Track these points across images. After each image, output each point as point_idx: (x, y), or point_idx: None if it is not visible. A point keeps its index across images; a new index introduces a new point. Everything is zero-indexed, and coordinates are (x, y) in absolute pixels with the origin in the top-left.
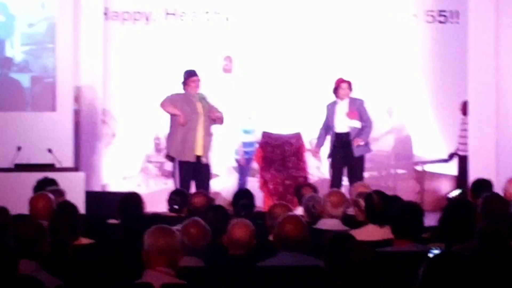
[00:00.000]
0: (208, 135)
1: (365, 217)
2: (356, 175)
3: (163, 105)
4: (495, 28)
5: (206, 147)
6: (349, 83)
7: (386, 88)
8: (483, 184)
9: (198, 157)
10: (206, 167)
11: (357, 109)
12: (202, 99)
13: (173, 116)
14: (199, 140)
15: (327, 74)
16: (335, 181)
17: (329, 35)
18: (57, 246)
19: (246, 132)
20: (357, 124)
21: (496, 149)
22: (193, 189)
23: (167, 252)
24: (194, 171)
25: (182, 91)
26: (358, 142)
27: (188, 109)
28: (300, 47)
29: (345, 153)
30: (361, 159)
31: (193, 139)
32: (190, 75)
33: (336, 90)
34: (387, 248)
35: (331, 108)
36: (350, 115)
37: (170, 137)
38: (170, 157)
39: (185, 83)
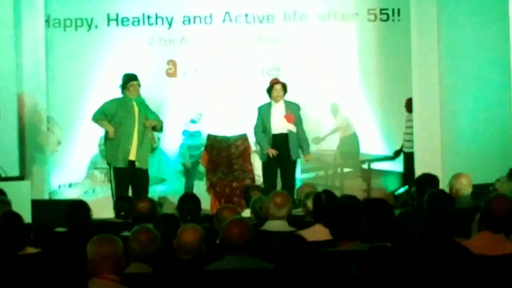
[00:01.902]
0: (144, 140)
1: (312, 217)
2: (290, 178)
3: (94, 119)
4: (437, 25)
5: (142, 152)
6: (283, 85)
7: (331, 87)
8: (428, 180)
9: (133, 162)
10: (143, 172)
11: (294, 114)
12: (141, 103)
13: (101, 112)
14: (134, 145)
15: (270, 75)
16: (269, 183)
17: (272, 35)
18: (2, 256)
19: (191, 135)
20: (293, 128)
21: (441, 145)
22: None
23: (111, 259)
24: (130, 176)
25: (121, 95)
26: (309, 159)
27: (124, 114)
28: (244, 48)
29: (281, 155)
30: (295, 162)
31: (127, 145)
32: (129, 79)
33: (270, 91)
34: (332, 248)
35: (266, 110)
36: (288, 118)
37: (105, 143)
38: (107, 163)
39: (124, 87)
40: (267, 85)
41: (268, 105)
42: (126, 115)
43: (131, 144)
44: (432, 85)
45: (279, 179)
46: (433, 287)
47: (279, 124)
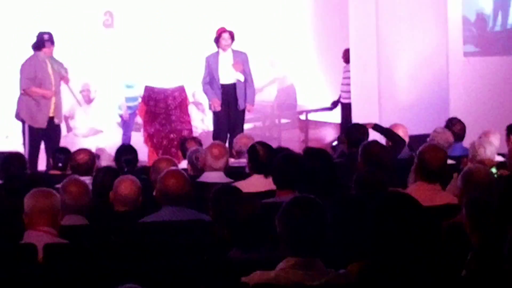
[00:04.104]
0: (59, 96)
1: (250, 168)
2: (238, 127)
3: (27, 88)
4: None
5: (58, 108)
6: (231, 33)
7: (268, 38)
8: (358, 130)
9: (51, 118)
10: (57, 127)
11: (242, 62)
12: (53, 60)
13: (26, 79)
14: (52, 103)
15: (209, 26)
16: (220, 133)
17: None
18: None
19: (128, 87)
20: (241, 77)
21: (378, 96)
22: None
23: (48, 212)
24: (44, 133)
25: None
26: (250, 110)
27: (41, 75)
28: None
29: (229, 105)
30: (243, 111)
31: (47, 103)
32: (51, 41)
33: (217, 40)
34: (270, 199)
35: (214, 59)
36: (236, 67)
37: (22, 99)
38: (20, 119)
39: (38, 47)
40: (205, 36)
41: (216, 55)
42: (43, 76)
43: (50, 102)
44: (369, 36)
45: None
46: (373, 238)
47: (227, 74)
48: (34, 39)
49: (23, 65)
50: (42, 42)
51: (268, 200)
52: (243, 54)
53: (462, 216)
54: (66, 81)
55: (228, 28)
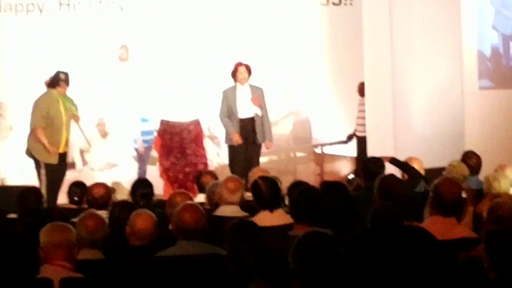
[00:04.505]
0: (69, 134)
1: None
2: (254, 161)
3: (38, 133)
4: (389, 9)
5: (68, 145)
6: (247, 67)
7: (283, 71)
8: (374, 163)
9: (61, 155)
10: (64, 163)
11: (259, 97)
12: (65, 98)
13: (39, 117)
14: (63, 140)
15: (224, 60)
16: (236, 166)
17: (226, 20)
18: None
19: (144, 120)
20: (259, 111)
21: (393, 129)
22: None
23: (64, 247)
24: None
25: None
26: (269, 146)
27: (53, 112)
28: (196, 33)
29: (247, 139)
30: (259, 145)
31: (57, 141)
32: (67, 82)
33: (234, 74)
34: (289, 232)
35: (231, 93)
36: (255, 101)
37: (33, 138)
38: (31, 155)
39: (52, 85)
40: (221, 70)
41: (233, 88)
42: (55, 114)
43: (61, 139)
44: (384, 69)
45: None
46: (389, 273)
47: (246, 108)
48: (49, 74)
49: (37, 102)
50: (58, 81)
51: (280, 235)
52: (260, 89)
53: (480, 249)
54: (77, 119)
55: (244, 62)
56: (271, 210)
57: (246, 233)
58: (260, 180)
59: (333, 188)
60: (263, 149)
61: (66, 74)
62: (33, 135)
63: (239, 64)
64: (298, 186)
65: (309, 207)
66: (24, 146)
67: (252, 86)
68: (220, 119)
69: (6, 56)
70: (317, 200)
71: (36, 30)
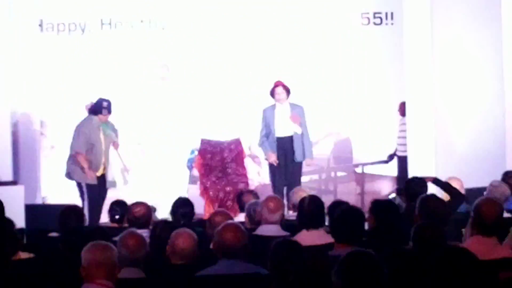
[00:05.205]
0: (108, 160)
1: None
2: (295, 180)
3: (79, 157)
4: (430, 28)
5: (106, 168)
6: (285, 87)
7: (323, 91)
8: (416, 184)
9: (100, 176)
10: (104, 185)
11: (298, 115)
12: (105, 124)
13: (80, 142)
14: (101, 167)
15: (264, 78)
16: (277, 186)
17: (265, 39)
18: None
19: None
20: (298, 129)
21: (435, 149)
22: None
23: (105, 265)
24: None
25: (87, 114)
26: (310, 163)
27: (93, 138)
28: (237, 52)
29: (286, 157)
30: (300, 164)
31: (96, 166)
32: (110, 110)
33: (272, 93)
34: (330, 252)
35: (270, 112)
36: (293, 118)
37: (72, 160)
38: (71, 178)
39: (95, 112)
40: (261, 89)
41: (272, 107)
42: (95, 140)
43: (99, 166)
44: (425, 89)
45: None
46: None
47: (284, 126)
48: (90, 98)
49: (79, 127)
50: (100, 109)
51: (322, 254)
52: (300, 107)
53: None
54: (116, 146)
55: (283, 81)
56: (307, 229)
57: (289, 253)
58: (307, 199)
59: (383, 207)
60: (304, 168)
61: (108, 102)
62: (72, 159)
63: (276, 85)
64: (339, 206)
65: (349, 227)
66: (65, 165)
67: (292, 104)
68: (259, 138)
69: (48, 75)
70: (358, 220)
71: (78, 50)
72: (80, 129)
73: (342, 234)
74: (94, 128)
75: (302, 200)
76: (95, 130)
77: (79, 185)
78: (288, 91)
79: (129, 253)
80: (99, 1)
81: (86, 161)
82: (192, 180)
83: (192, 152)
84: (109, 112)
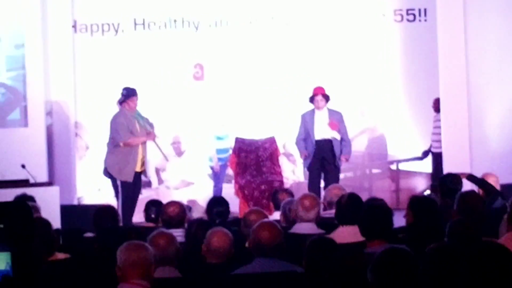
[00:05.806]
0: (146, 151)
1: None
2: (333, 178)
3: (126, 140)
4: (464, 24)
5: (145, 163)
6: (324, 95)
7: (358, 88)
8: (451, 180)
9: (138, 173)
10: (139, 182)
11: (337, 121)
12: (138, 115)
13: (124, 132)
14: (139, 159)
15: (298, 77)
16: (313, 184)
17: (300, 39)
18: (31, 262)
19: (219, 138)
20: (337, 135)
21: (469, 145)
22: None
23: (141, 265)
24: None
25: (118, 109)
26: (346, 158)
27: (130, 126)
28: (270, 52)
29: (324, 159)
30: (339, 168)
31: (134, 159)
32: (132, 93)
33: (312, 100)
34: (363, 250)
35: (310, 117)
36: (332, 125)
37: (110, 156)
38: (109, 174)
39: (124, 101)
40: (295, 88)
41: (312, 112)
42: (133, 131)
43: (138, 158)
44: (459, 85)
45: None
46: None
47: (323, 131)
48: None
49: (116, 119)
50: (123, 97)
51: (358, 252)
52: (338, 113)
53: None
54: (153, 137)
55: (320, 83)
56: (350, 224)
57: (324, 250)
58: (346, 196)
59: (422, 203)
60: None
61: (127, 89)
62: (110, 154)
63: (315, 93)
64: (373, 203)
65: (377, 224)
66: (100, 165)
67: (330, 111)
68: (296, 142)
69: (82, 76)
70: (385, 216)
71: (112, 50)
72: (115, 120)
73: (370, 232)
74: (129, 118)
75: (341, 197)
76: (131, 120)
77: (114, 183)
78: (326, 98)
79: (160, 251)
80: (132, 1)
81: (137, 139)
82: (226, 179)
83: (222, 151)
84: (133, 94)
